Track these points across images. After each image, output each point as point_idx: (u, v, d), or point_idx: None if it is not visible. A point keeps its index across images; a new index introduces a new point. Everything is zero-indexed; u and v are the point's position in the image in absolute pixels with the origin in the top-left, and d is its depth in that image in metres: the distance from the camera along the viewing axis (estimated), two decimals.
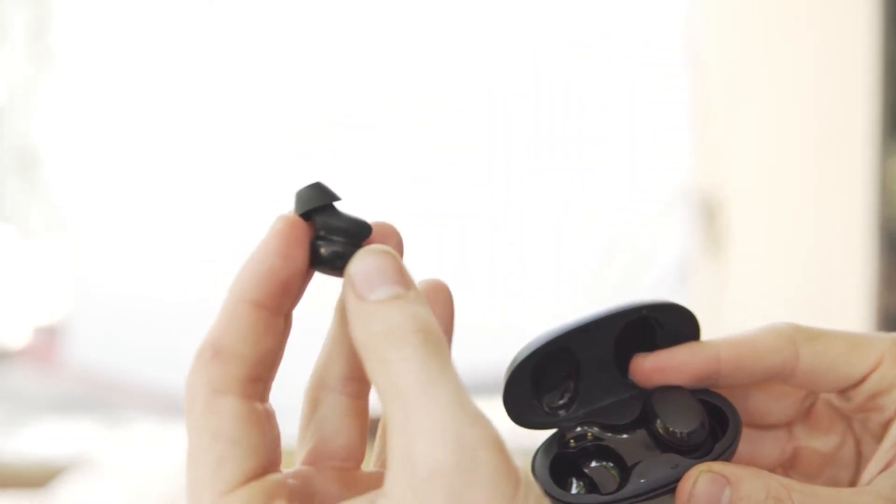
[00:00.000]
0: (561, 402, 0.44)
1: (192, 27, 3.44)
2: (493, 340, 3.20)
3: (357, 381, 0.36)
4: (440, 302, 0.37)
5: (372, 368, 0.32)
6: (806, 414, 0.46)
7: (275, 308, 0.34)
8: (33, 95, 3.64)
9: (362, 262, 0.33)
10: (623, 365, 0.44)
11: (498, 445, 0.31)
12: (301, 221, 0.35)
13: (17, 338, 3.87)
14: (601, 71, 3.34)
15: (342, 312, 0.36)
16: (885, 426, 0.43)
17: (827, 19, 1.71)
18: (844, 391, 0.44)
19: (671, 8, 3.08)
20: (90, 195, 3.65)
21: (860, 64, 1.54)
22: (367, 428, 0.37)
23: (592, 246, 3.36)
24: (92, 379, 3.62)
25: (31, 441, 2.39)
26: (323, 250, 0.35)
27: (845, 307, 1.62)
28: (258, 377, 0.34)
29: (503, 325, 3.29)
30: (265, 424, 0.33)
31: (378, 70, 3.35)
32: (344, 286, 0.33)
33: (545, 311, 3.37)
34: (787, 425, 0.46)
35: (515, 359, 0.43)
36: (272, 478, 0.33)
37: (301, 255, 0.34)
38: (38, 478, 1.96)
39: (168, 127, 3.51)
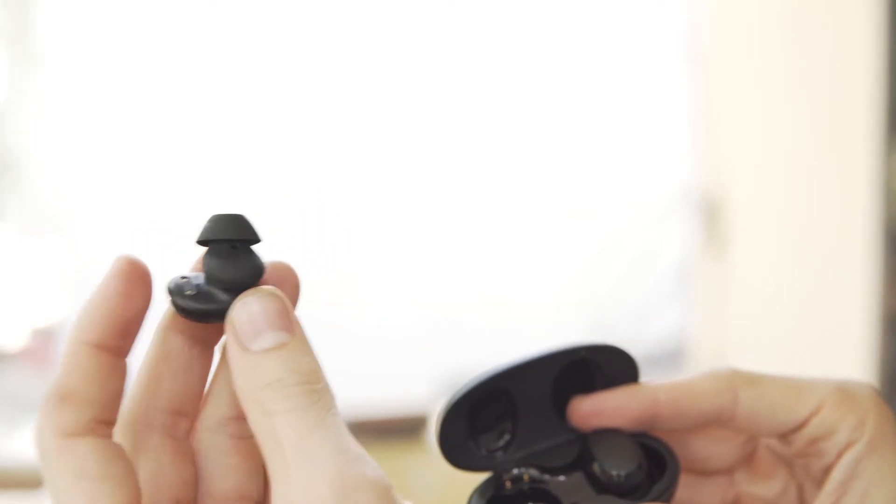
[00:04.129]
0: (498, 443, 0.43)
1: (183, 27, 3.44)
2: (493, 341, 3.19)
3: (239, 420, 0.36)
4: (287, 287, 0.36)
5: (253, 421, 0.32)
6: (747, 459, 0.46)
7: (116, 350, 0.34)
8: (22, 95, 3.64)
9: (245, 308, 0.33)
10: (561, 407, 0.44)
11: (378, 486, 0.31)
12: (141, 262, 0.35)
13: (15, 339, 3.86)
14: (601, 69, 3.34)
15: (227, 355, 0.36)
16: (827, 471, 0.43)
17: (829, 17, 1.71)
18: (785, 436, 0.44)
19: (673, 6, 3.07)
20: (85, 195, 3.64)
21: (863, 62, 1.53)
22: (256, 467, 0.36)
23: (592, 246, 3.36)
24: None
25: (28, 443, 2.38)
26: (180, 302, 0.35)
27: (848, 307, 1.61)
28: (107, 420, 0.33)
29: (503, 325, 3.28)
30: (126, 460, 0.33)
31: (377, 63, 3.35)
32: (227, 333, 0.33)
33: (544, 312, 3.36)
34: (729, 471, 0.46)
35: (450, 399, 0.42)
36: None
37: (142, 296, 0.34)
38: (34, 479, 1.95)
39: (160, 126, 3.50)
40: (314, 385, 0.32)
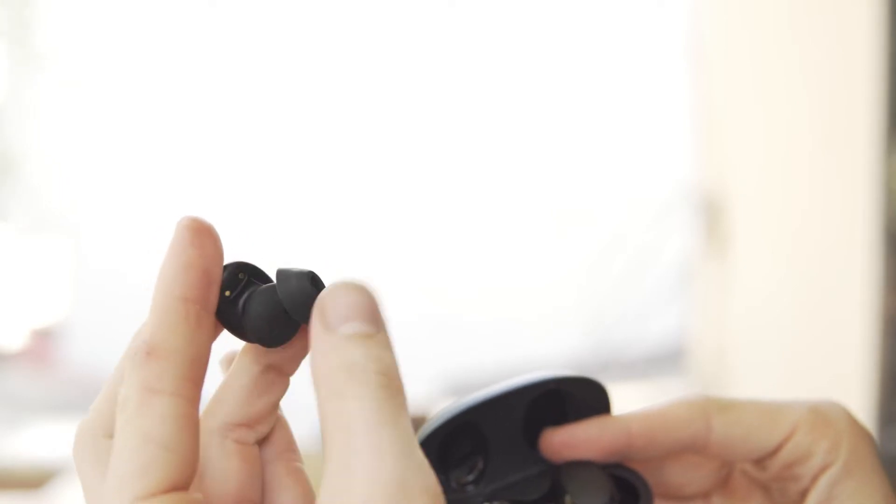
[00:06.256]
0: (469, 477, 0.43)
1: (183, 27, 3.44)
2: (494, 340, 3.19)
3: (244, 428, 0.36)
4: None
5: (323, 400, 0.31)
6: (723, 484, 0.46)
7: (202, 301, 0.34)
8: (22, 95, 3.63)
9: (337, 293, 0.32)
10: (533, 438, 0.44)
11: (437, 499, 0.30)
12: (202, 219, 0.34)
13: (15, 340, 3.86)
14: (603, 69, 3.34)
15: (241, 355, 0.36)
16: (803, 495, 0.43)
17: (829, 17, 1.71)
18: (760, 461, 0.44)
19: (673, 6, 3.07)
20: (87, 196, 3.64)
21: (864, 61, 1.53)
22: (257, 471, 0.36)
23: (592, 246, 3.36)
24: (89, 381, 3.62)
25: (28, 443, 2.38)
26: (242, 316, 0.35)
27: (848, 307, 1.61)
28: (193, 378, 0.33)
29: (504, 324, 3.28)
30: (195, 436, 0.33)
31: (388, 67, 3.35)
32: (314, 313, 0.32)
33: (545, 311, 3.36)
34: (705, 496, 0.46)
35: (421, 433, 0.41)
36: (195, 497, 0.32)
37: (214, 245, 0.34)
38: (35, 479, 1.95)
39: (160, 126, 3.50)
40: (393, 381, 0.31)
